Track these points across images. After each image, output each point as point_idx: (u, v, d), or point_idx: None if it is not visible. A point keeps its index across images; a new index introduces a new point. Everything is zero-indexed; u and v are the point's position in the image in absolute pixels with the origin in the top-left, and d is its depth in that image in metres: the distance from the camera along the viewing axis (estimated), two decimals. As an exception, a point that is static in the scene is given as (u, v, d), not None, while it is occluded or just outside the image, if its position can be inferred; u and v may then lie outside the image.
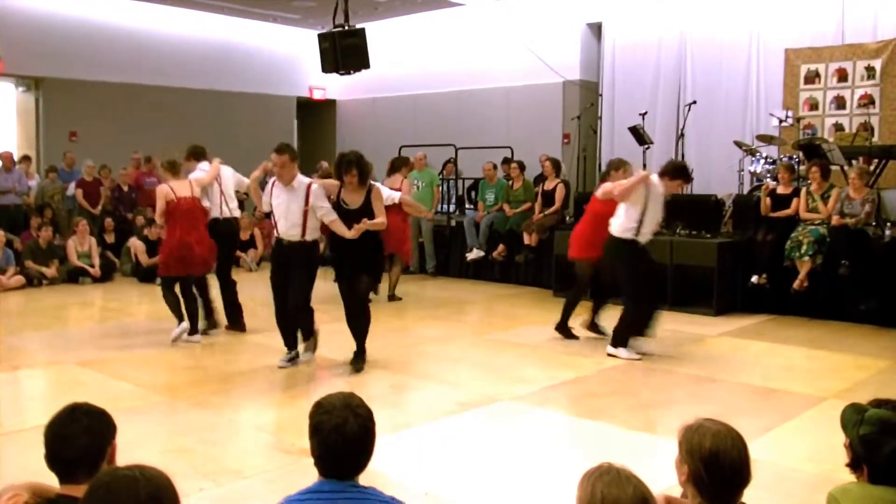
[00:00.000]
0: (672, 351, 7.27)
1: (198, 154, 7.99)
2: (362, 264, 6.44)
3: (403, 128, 15.48)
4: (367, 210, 6.36)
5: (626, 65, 13.38)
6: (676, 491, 2.41)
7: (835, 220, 8.48)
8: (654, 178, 6.85)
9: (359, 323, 6.56)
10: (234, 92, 16.16)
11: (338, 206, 6.39)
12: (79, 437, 2.17)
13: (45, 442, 2.20)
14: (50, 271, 11.10)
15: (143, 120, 14.53)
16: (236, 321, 7.97)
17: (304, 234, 6.37)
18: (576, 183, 12.55)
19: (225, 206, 7.80)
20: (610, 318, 7.40)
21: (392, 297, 9.87)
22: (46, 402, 5.90)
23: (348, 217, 6.31)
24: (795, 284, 8.50)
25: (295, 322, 6.62)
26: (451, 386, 6.09)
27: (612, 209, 6.94)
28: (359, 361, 6.51)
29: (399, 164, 10.13)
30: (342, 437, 2.21)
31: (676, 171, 6.93)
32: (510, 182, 11.57)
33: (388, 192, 9.63)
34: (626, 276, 6.87)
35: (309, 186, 6.38)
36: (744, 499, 2.23)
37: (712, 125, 12.34)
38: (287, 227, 6.40)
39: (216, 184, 7.73)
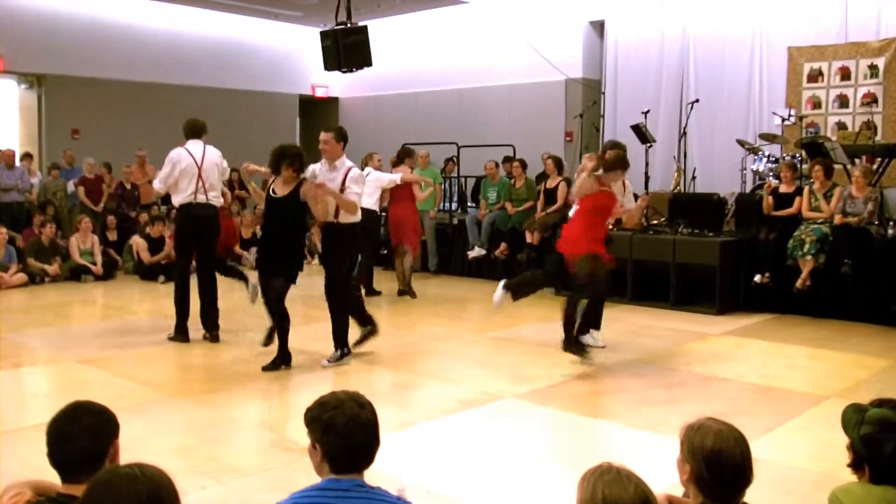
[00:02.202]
0: (674, 350, 7.27)
1: (185, 132, 7.38)
2: (280, 264, 6.42)
3: (405, 125, 15.48)
4: (293, 200, 6.31)
5: (629, 63, 13.37)
6: (678, 490, 2.40)
7: (837, 218, 8.46)
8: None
9: (281, 324, 6.50)
10: (236, 90, 16.15)
11: (267, 194, 6.47)
12: (80, 437, 2.16)
13: (46, 440, 2.19)
14: (52, 269, 11.09)
15: (146, 117, 14.52)
16: (211, 326, 7.41)
17: (336, 215, 6.43)
18: (578, 181, 12.51)
19: (202, 194, 7.19)
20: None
21: (403, 292, 9.98)
22: (48, 399, 5.90)
23: (276, 205, 6.36)
24: (798, 283, 8.49)
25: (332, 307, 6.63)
26: (453, 384, 6.08)
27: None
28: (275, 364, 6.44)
29: (404, 155, 10.16)
30: (360, 427, 2.25)
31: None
32: (512, 180, 11.56)
33: (389, 176, 9.80)
34: None
35: (349, 170, 6.45)
36: (746, 498, 2.22)
37: (715, 123, 12.33)
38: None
39: (195, 166, 7.16)
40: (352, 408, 2.27)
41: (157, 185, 7.30)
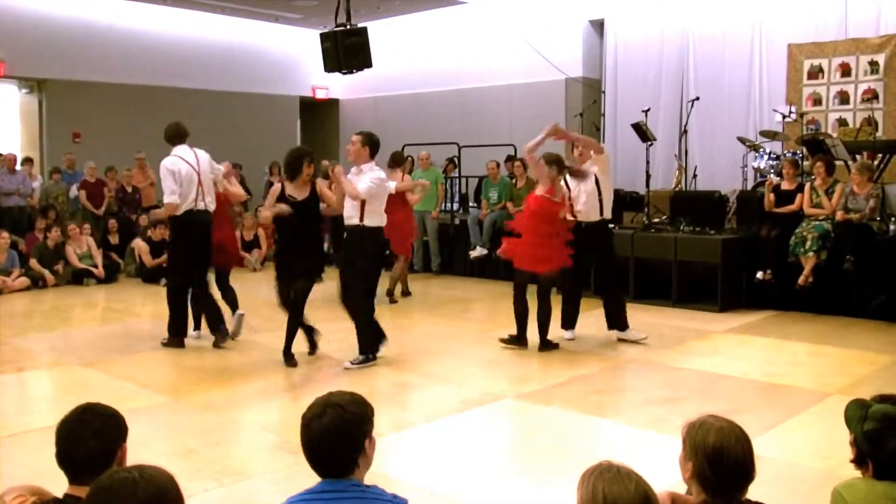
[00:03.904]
0: (676, 347, 7.26)
1: (169, 137, 7.21)
2: (302, 266, 6.60)
3: (406, 126, 15.47)
4: (313, 201, 6.57)
5: (629, 61, 13.37)
6: (681, 489, 2.40)
7: (839, 215, 8.45)
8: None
9: (291, 326, 6.67)
10: (236, 92, 16.17)
11: (283, 199, 6.55)
12: (88, 440, 2.16)
13: (55, 441, 2.19)
14: (48, 277, 10.94)
15: (146, 121, 14.45)
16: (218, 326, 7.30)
17: (361, 218, 6.46)
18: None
19: (201, 200, 7.04)
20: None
21: (392, 299, 9.74)
22: (51, 403, 5.92)
23: (298, 208, 6.51)
24: (800, 280, 8.48)
25: (352, 308, 6.65)
26: (455, 384, 6.08)
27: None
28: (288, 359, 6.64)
29: (399, 159, 10.04)
30: (313, 431, 2.19)
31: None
32: (514, 180, 11.55)
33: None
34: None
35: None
36: (748, 495, 2.22)
37: (715, 121, 12.33)
38: (348, 210, 6.55)
39: (194, 172, 6.99)
40: (318, 410, 2.20)
41: (171, 198, 6.88)
